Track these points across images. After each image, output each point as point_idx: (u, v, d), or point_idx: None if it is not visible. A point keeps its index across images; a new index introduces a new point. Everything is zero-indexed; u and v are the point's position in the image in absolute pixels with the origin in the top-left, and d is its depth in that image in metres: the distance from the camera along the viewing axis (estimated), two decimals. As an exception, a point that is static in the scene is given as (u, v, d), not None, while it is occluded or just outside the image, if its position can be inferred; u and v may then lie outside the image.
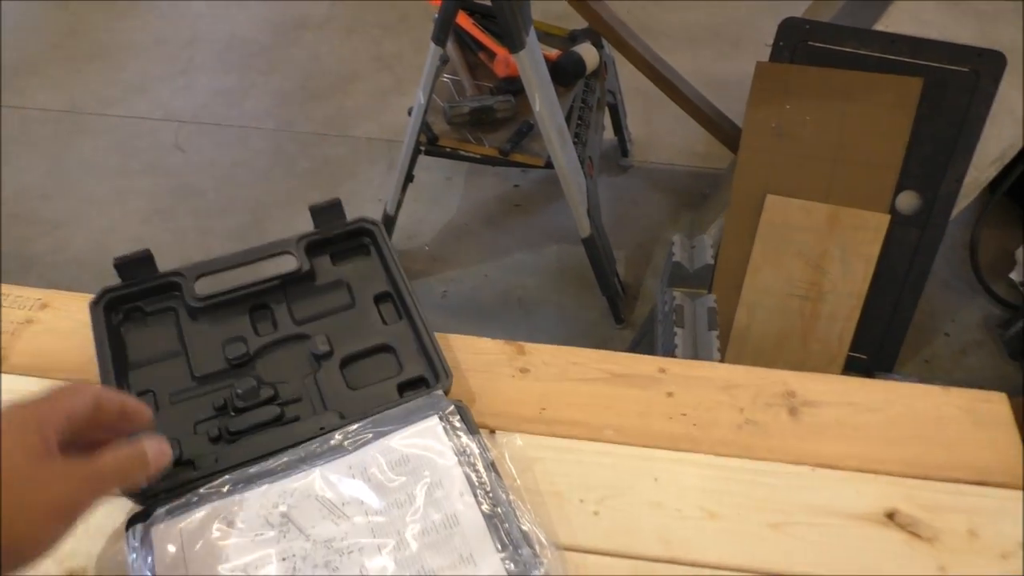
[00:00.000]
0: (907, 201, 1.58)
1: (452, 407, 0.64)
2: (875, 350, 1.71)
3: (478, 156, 1.71)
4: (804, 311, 1.66)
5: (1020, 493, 0.65)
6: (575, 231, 1.72)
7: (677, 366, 0.73)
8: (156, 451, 0.52)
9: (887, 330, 1.68)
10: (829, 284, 1.62)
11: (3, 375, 0.71)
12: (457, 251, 2.03)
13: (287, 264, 0.78)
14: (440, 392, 0.66)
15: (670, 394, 0.72)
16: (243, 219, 2.12)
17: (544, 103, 1.51)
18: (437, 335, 0.72)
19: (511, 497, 0.60)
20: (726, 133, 1.92)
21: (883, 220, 1.57)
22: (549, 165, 1.63)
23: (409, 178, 1.79)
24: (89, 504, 0.47)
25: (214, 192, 2.20)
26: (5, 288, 0.78)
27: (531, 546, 0.57)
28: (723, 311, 1.72)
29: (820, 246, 1.61)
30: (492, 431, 0.69)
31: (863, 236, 1.59)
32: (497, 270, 1.98)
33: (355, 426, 0.64)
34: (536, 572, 0.55)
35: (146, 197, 2.19)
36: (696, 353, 0.86)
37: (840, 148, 1.58)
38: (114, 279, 0.73)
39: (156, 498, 0.60)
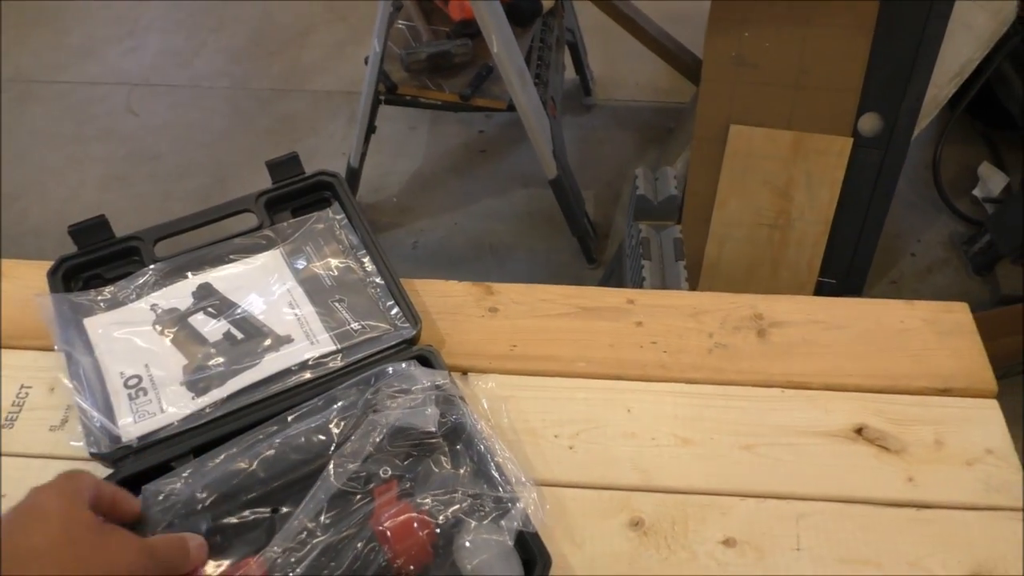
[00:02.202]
0: (869, 123, 1.58)
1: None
2: (844, 274, 1.73)
3: (439, 103, 1.68)
4: (773, 239, 1.67)
5: (984, 401, 0.67)
6: (542, 174, 1.71)
7: (645, 296, 0.74)
8: (196, 546, 0.52)
9: (855, 253, 1.70)
10: (796, 211, 1.63)
11: (-38, 348, 0.70)
12: (425, 201, 2.01)
13: (247, 222, 0.77)
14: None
15: (639, 324, 0.72)
16: (204, 181, 2.08)
17: (502, 44, 1.49)
18: (403, 281, 0.71)
19: (486, 431, 0.60)
20: (687, 65, 1.91)
21: (846, 144, 1.57)
22: (511, 108, 1.61)
23: (371, 129, 1.76)
24: None
25: (172, 155, 2.15)
26: (-43, 261, 0.77)
27: (508, 482, 0.57)
28: (693, 245, 1.72)
29: (786, 173, 1.62)
30: (464, 373, 0.69)
31: (827, 161, 1.59)
32: (466, 218, 1.97)
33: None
34: (514, 507, 0.56)
35: (103, 163, 2.14)
36: (664, 285, 0.87)
37: (801, 73, 1.57)
38: (78, 247, 0.72)
39: (125, 460, 0.60)
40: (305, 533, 0.54)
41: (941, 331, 0.71)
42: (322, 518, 0.55)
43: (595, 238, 1.87)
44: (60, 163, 2.14)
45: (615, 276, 1.15)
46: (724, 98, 1.61)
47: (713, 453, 0.64)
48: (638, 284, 0.86)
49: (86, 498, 0.48)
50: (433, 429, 0.58)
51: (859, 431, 0.65)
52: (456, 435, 0.60)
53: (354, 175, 1.84)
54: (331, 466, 0.56)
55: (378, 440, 0.57)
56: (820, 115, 1.57)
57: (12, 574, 0.41)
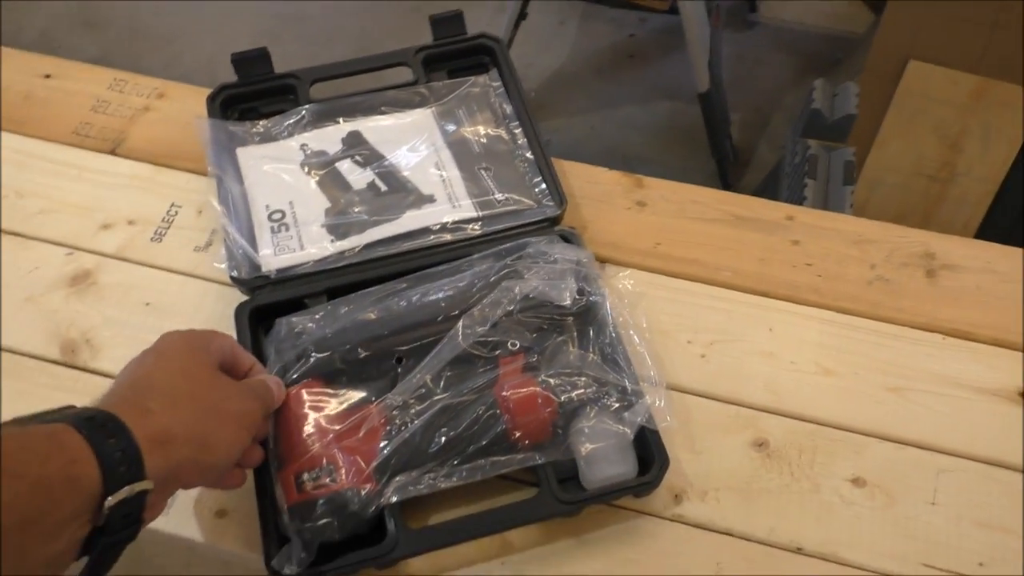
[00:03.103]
0: (1071, 78, 1.41)
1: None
2: (1001, 241, 1.58)
3: (597, -5, 1.60)
4: (930, 192, 1.54)
5: None
6: (689, 88, 1.62)
7: (806, 215, 0.68)
8: (275, 384, 0.53)
9: (1018, 221, 1.55)
10: (964, 165, 1.50)
11: (120, 159, 0.72)
12: (564, 99, 1.95)
13: (402, 76, 0.75)
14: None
15: (796, 242, 0.67)
16: (349, 49, 2.08)
17: (676, -62, 1.39)
18: (553, 160, 0.68)
19: (621, 319, 0.58)
20: (870, -10, 1.75)
21: (1039, 98, 1.42)
22: (672, 10, 1.53)
23: (522, 15, 1.70)
24: (259, 420, 0.49)
25: (320, 19, 2.16)
26: (124, 75, 0.78)
27: (636, 376, 0.55)
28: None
29: (960, 122, 1.47)
30: (602, 263, 0.66)
31: (1012, 115, 1.44)
32: (604, 123, 1.90)
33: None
34: (639, 402, 0.54)
35: (254, 19, 2.17)
36: (826, 208, 0.80)
37: (1002, 11, 1.40)
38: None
39: (262, 289, 0.60)
40: (426, 389, 0.53)
41: None
42: (444, 378, 0.54)
43: (735, 163, 1.78)
44: (213, 14, 2.18)
45: (767, 195, 1.08)
46: (907, 29, 1.47)
47: (856, 388, 0.60)
48: (797, 204, 0.81)
49: (210, 348, 0.49)
50: (568, 303, 0.56)
51: (1024, 395, 0.60)
52: (589, 317, 0.58)
53: (498, 62, 1.80)
54: (459, 327, 0.55)
55: (509, 309, 0.55)
56: (1015, 62, 1.42)
57: (133, 403, 0.42)
